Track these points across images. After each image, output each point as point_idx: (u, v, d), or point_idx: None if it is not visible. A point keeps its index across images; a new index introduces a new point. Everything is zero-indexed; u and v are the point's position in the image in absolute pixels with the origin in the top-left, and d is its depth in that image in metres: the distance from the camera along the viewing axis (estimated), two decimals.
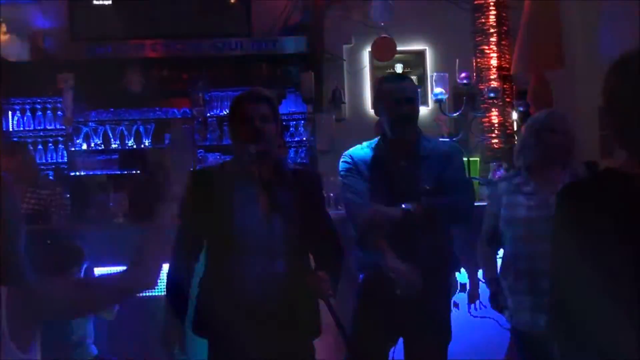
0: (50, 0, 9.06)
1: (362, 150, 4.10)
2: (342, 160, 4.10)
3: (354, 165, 4.04)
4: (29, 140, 8.89)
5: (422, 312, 3.85)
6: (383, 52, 7.46)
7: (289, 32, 9.40)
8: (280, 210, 3.44)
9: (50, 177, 8.54)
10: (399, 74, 5.76)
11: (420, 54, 9.76)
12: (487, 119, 7.31)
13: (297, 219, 3.46)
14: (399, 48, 9.18)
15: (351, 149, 4.13)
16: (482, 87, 7.26)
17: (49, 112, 9.03)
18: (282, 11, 9.37)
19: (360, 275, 4.10)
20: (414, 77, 9.58)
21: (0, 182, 2.24)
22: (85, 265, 4.69)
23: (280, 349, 3.41)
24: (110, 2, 9.04)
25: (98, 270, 4.84)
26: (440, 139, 4.34)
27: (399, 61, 9.48)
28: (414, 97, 3.98)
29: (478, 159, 6.93)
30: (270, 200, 3.44)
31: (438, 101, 6.22)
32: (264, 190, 3.44)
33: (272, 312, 3.40)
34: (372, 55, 7.67)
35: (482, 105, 7.23)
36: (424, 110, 8.90)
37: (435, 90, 6.20)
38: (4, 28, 8.58)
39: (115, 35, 8.96)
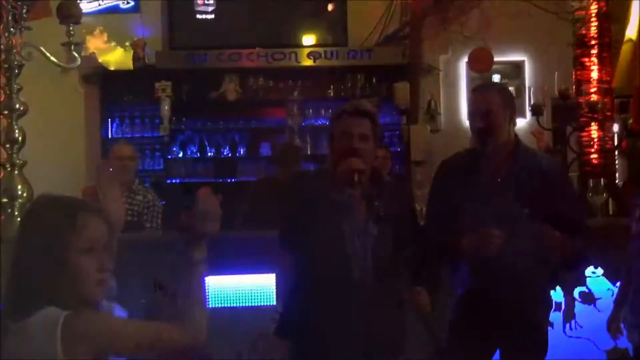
0: (151, 10, 9.21)
1: (457, 158, 4.00)
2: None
3: (444, 176, 3.96)
4: None
5: (520, 326, 3.75)
6: (479, 63, 7.31)
7: (385, 42, 9.35)
8: (376, 225, 3.43)
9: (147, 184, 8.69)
10: (487, 83, 5.59)
11: (519, 66, 9.56)
12: (586, 134, 7.09)
13: (391, 233, 3.45)
14: (496, 59, 9.04)
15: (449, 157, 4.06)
16: (581, 100, 7.05)
17: (147, 119, 9.17)
18: (379, 22, 9.32)
19: (459, 290, 3.97)
20: (511, 89, 9.43)
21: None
22: None
23: None
24: (212, 16, 9.15)
25: None
26: (540, 153, 4.11)
27: (496, 72, 9.31)
28: (492, 109, 3.75)
29: (576, 174, 6.73)
30: (365, 214, 3.44)
31: (535, 114, 6.06)
32: (359, 205, 3.44)
33: (361, 324, 3.37)
34: (469, 66, 7.53)
35: (581, 119, 7.01)
36: (521, 123, 8.78)
37: (532, 103, 6.05)
38: (104, 37, 8.76)
39: (213, 44, 9.07)
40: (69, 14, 5.85)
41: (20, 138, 5.54)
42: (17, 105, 5.52)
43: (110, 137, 9.10)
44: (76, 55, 5.80)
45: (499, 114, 3.75)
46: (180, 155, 9.21)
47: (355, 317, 3.37)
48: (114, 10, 9.20)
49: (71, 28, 5.76)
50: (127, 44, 8.93)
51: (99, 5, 9.17)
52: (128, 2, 9.20)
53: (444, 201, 3.85)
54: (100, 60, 8.82)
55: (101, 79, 8.95)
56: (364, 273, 3.41)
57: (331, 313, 3.38)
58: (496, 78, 9.28)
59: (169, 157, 9.15)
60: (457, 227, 3.69)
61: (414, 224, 3.74)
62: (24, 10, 5.53)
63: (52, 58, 5.74)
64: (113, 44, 8.86)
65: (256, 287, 5.18)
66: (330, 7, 9.40)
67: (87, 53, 8.72)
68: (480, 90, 3.98)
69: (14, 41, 5.51)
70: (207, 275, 2.45)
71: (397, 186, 4.11)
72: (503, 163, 3.80)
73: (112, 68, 8.88)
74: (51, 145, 8.65)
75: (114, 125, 9.17)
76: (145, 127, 9.18)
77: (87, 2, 9.13)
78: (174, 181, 9.06)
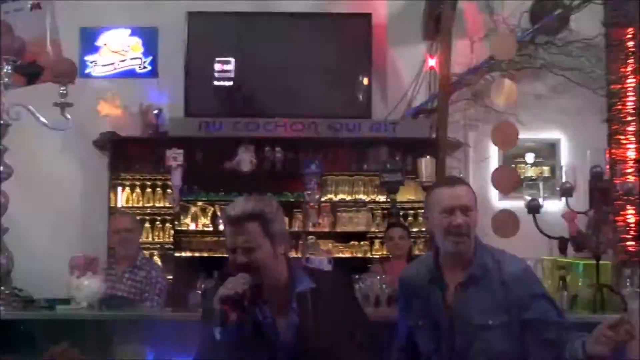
0: (167, 75, 8.90)
1: (415, 267, 3.60)
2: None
3: (404, 289, 3.56)
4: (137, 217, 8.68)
5: None
6: (503, 138, 6.82)
7: (411, 115, 8.94)
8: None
9: (154, 257, 8.27)
10: (456, 177, 5.14)
11: (553, 144, 9.08)
12: (621, 218, 6.52)
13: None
14: (530, 136, 8.62)
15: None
16: (616, 181, 6.48)
17: (158, 189, 8.78)
18: (405, 94, 8.92)
19: None
20: (545, 168, 8.94)
21: None
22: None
23: None
24: (230, 83, 8.82)
25: None
26: (507, 254, 3.59)
27: (529, 150, 8.82)
28: (471, 205, 3.34)
29: (609, 263, 6.12)
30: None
31: (564, 195, 5.54)
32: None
33: None
34: (492, 140, 7.07)
35: (616, 202, 6.44)
36: (553, 206, 8.25)
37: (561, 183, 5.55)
38: (117, 101, 8.44)
39: (230, 112, 8.71)
40: (63, 72, 5.54)
41: (3, 203, 5.17)
42: (2, 169, 5.15)
43: (118, 205, 8.71)
44: (67, 117, 5.45)
45: (475, 210, 3.37)
46: (192, 227, 8.77)
47: None
48: (129, 74, 8.92)
49: (63, 89, 5.44)
50: (140, 109, 8.58)
51: (114, 69, 8.89)
52: (144, 67, 8.91)
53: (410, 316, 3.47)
54: (110, 126, 8.47)
55: (111, 144, 8.58)
56: None
57: None
58: (530, 157, 8.79)
59: (179, 229, 8.72)
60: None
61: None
62: (8, 69, 5.20)
63: (42, 119, 5.38)
64: (125, 109, 8.51)
65: None
66: (365, 81, 9.02)
67: (98, 117, 8.44)
68: (455, 183, 3.45)
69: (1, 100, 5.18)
70: None
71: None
72: (468, 266, 3.37)
73: (123, 134, 8.51)
74: (59, 210, 8.33)
75: (123, 193, 8.78)
76: (156, 196, 8.80)
77: (102, 66, 8.88)
78: (183, 255, 8.61)
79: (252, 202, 3.17)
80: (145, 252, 8.32)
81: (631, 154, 6.61)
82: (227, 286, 3.01)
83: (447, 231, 3.29)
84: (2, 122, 5.14)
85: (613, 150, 6.71)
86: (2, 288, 5.01)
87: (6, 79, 5.20)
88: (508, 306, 3.25)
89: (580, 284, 5.15)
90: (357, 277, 5.18)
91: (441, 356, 3.30)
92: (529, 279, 3.38)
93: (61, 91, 5.37)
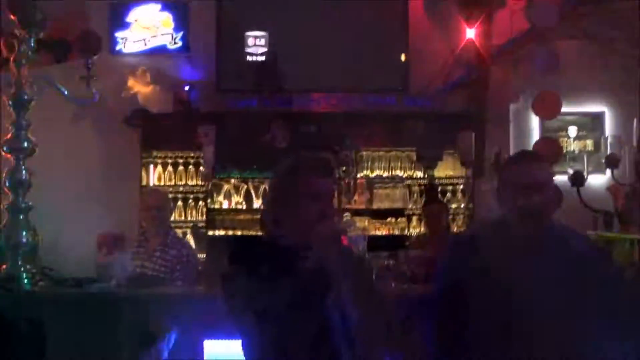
0: (199, 51, 8.74)
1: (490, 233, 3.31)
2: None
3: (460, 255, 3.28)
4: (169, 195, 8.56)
5: None
6: (545, 108, 6.58)
7: (449, 89, 8.67)
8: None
9: (186, 236, 8.14)
10: (532, 152, 4.91)
11: (598, 117, 8.77)
12: None
13: None
14: (574, 110, 8.45)
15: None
16: None
17: (190, 166, 8.62)
18: (443, 66, 8.66)
19: None
20: (589, 142, 8.66)
21: None
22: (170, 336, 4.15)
23: None
24: (263, 58, 8.63)
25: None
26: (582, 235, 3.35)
27: (572, 123, 8.55)
28: (547, 182, 3.14)
29: None
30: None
31: (609, 166, 5.30)
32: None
33: None
34: (533, 111, 6.81)
35: None
36: (598, 180, 7.99)
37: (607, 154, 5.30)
38: (148, 77, 8.27)
39: (262, 87, 8.52)
40: (87, 46, 5.41)
41: (27, 180, 5.04)
42: (25, 144, 5.02)
43: (150, 184, 8.57)
44: (94, 90, 5.33)
45: (552, 188, 3.17)
46: (225, 205, 8.60)
47: None
48: (160, 50, 8.74)
49: (90, 61, 5.31)
50: (171, 85, 8.41)
51: (145, 45, 8.72)
52: (175, 43, 8.73)
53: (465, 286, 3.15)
54: (141, 103, 8.31)
55: (142, 121, 8.43)
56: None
57: None
58: (572, 131, 8.54)
59: (212, 207, 8.55)
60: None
61: None
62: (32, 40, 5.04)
63: (65, 91, 5.25)
64: (156, 86, 8.34)
65: None
66: (402, 55, 8.78)
67: (128, 94, 8.29)
68: (531, 159, 3.28)
69: (24, 74, 5.04)
70: None
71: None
72: (542, 245, 3.14)
73: (154, 111, 8.35)
74: (91, 189, 8.22)
75: (155, 171, 8.63)
76: (188, 174, 8.62)
77: (133, 42, 8.72)
78: (216, 233, 8.45)
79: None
80: (178, 230, 8.28)
81: None
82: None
83: (520, 211, 3.09)
84: (25, 97, 5.01)
85: None
86: (28, 267, 4.90)
87: (30, 53, 5.06)
88: (583, 284, 3.04)
89: (628, 259, 4.94)
90: (393, 253, 5.02)
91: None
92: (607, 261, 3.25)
93: (86, 64, 5.27)
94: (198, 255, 8.01)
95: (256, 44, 8.64)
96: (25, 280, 4.84)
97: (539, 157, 3.36)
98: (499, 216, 3.25)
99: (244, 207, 8.58)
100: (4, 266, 4.91)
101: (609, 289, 3.10)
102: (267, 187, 8.45)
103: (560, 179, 7.30)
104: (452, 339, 3.16)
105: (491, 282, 3.05)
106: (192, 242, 8.40)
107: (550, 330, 3.01)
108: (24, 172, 5.03)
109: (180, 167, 8.63)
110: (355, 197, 8.43)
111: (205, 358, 4.51)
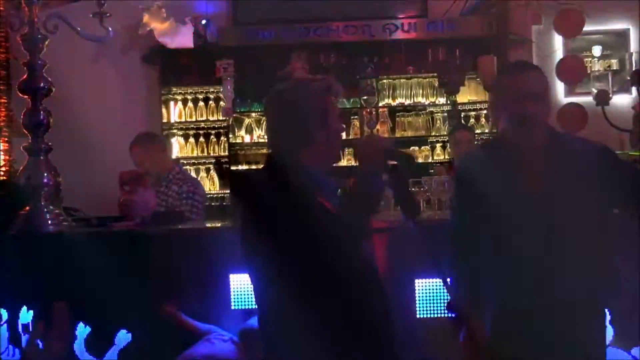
0: None
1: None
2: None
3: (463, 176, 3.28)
4: (190, 132, 8.54)
5: (567, 343, 3.06)
6: (567, 26, 6.42)
7: (470, 12, 8.48)
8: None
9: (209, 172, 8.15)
10: (526, 62, 4.85)
11: (623, 34, 8.59)
12: None
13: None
14: (598, 28, 8.26)
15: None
16: None
17: (211, 102, 8.57)
18: None
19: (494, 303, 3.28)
20: (614, 61, 8.48)
21: None
22: None
23: None
24: None
25: None
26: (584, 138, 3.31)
27: (596, 42, 8.38)
28: (543, 92, 3.12)
29: None
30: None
31: (634, 83, 5.18)
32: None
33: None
34: (555, 29, 6.66)
35: None
36: (623, 99, 7.86)
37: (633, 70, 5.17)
38: (163, 13, 8.17)
39: (279, 18, 8.40)
40: None
41: (45, 120, 5.00)
42: (42, 84, 4.97)
43: (171, 120, 8.54)
44: (108, 27, 5.24)
45: (548, 97, 3.17)
46: (247, 139, 8.56)
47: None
48: None
49: None
50: (188, 19, 8.29)
51: None
52: None
53: (475, 201, 3.13)
54: (158, 39, 8.23)
55: (160, 58, 8.36)
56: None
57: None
58: (597, 50, 8.37)
59: (234, 142, 8.51)
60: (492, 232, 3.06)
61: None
62: None
63: (78, 29, 5.17)
64: (173, 21, 8.23)
65: None
66: None
67: (145, 31, 8.21)
68: (526, 69, 3.21)
69: (36, 11, 4.98)
70: None
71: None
72: (542, 153, 3.10)
73: (171, 47, 8.26)
74: (111, 129, 8.19)
75: (175, 108, 8.60)
76: (209, 109, 8.59)
77: None
78: (240, 168, 8.42)
79: None
80: (200, 167, 8.27)
81: None
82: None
83: (517, 120, 3.06)
84: (40, 35, 4.95)
85: None
86: (51, 207, 4.89)
87: None
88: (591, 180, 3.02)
89: None
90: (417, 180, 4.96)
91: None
92: (612, 154, 3.19)
93: (98, 1, 5.19)
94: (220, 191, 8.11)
95: None
96: (49, 221, 4.83)
97: (535, 66, 3.32)
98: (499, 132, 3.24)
99: (266, 140, 8.50)
100: (27, 208, 4.90)
101: (621, 181, 3.08)
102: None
103: (585, 100, 7.20)
104: (468, 259, 3.17)
105: (497, 195, 3.04)
106: (215, 179, 8.43)
107: (567, 235, 2.99)
108: (41, 113, 4.99)
109: (201, 103, 8.59)
110: (378, 126, 8.34)
111: (232, 291, 4.53)
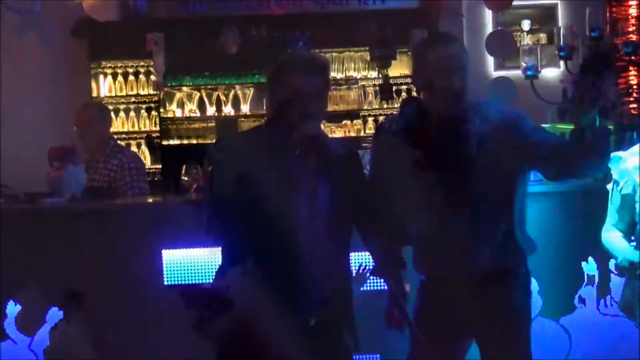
0: None
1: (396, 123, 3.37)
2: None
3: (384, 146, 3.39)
4: (121, 106, 8.44)
5: (489, 314, 3.29)
6: (496, 1, 6.50)
7: None
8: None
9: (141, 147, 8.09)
10: (444, 34, 4.94)
11: (551, 9, 8.73)
12: (623, 80, 6.26)
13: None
14: (526, 2, 8.38)
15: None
16: (617, 41, 6.19)
17: (141, 76, 8.48)
18: None
19: (422, 277, 3.47)
20: (542, 35, 8.62)
21: None
22: None
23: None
24: None
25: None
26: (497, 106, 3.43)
27: (525, 17, 8.51)
28: (465, 64, 3.20)
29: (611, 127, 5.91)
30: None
31: (562, 57, 5.27)
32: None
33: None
34: (485, 4, 6.74)
35: (617, 63, 6.16)
36: (554, 73, 7.99)
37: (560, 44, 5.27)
38: None
39: None
40: None
41: None
42: None
43: (101, 95, 8.42)
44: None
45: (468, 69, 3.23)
46: (178, 114, 8.50)
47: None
48: None
49: None
50: None
51: None
52: None
53: (392, 174, 3.30)
54: (87, 12, 8.07)
55: (89, 31, 8.21)
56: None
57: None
58: (526, 24, 8.50)
59: (165, 116, 8.45)
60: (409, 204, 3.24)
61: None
62: None
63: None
64: None
65: None
66: None
67: (73, 3, 8.04)
68: (449, 42, 3.32)
69: None
70: None
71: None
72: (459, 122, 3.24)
73: (100, 20, 8.12)
74: (36, 104, 8.04)
75: (105, 82, 8.48)
76: (139, 83, 8.50)
77: None
78: (171, 142, 8.36)
79: None
80: (132, 142, 8.19)
81: (633, 11, 6.31)
82: None
83: (442, 92, 3.15)
84: None
85: (613, 9, 6.42)
86: None
87: None
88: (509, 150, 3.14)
89: None
90: None
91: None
92: (525, 119, 3.29)
93: None
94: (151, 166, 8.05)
95: None
96: None
97: (456, 37, 3.50)
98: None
99: (198, 114, 8.49)
100: None
101: (534, 143, 3.19)
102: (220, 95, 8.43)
103: (515, 74, 7.30)
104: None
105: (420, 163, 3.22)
106: (147, 153, 8.36)
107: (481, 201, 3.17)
108: None
109: (131, 77, 8.50)
110: None
111: (164, 267, 4.53)
